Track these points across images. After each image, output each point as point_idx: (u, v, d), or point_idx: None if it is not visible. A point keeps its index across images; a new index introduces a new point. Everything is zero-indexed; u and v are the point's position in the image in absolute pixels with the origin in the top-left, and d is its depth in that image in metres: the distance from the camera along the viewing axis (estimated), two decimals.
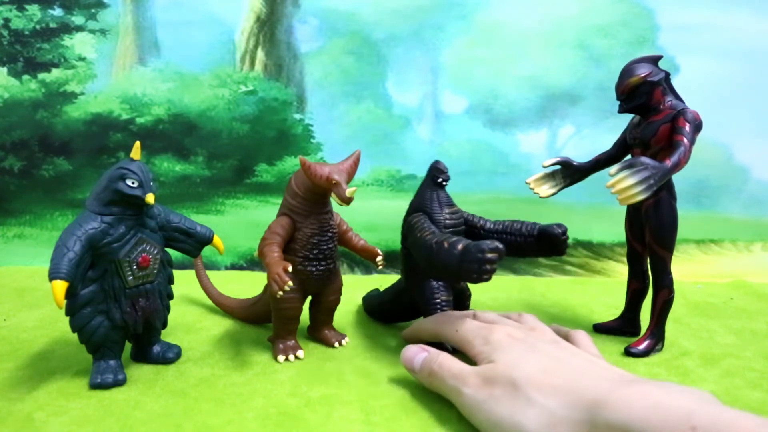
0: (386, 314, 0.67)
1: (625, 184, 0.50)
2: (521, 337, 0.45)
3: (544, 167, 0.63)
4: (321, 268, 0.56)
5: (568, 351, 0.44)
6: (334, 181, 0.51)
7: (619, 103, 0.59)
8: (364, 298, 0.71)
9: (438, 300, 0.56)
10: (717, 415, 0.32)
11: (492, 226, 0.59)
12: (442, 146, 0.99)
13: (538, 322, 0.51)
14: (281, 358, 0.55)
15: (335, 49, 0.98)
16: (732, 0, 0.95)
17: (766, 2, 0.95)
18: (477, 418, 0.42)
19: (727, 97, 0.96)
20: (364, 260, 0.61)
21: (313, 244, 0.54)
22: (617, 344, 0.61)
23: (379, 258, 0.59)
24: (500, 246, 0.47)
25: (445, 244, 0.49)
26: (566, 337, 0.50)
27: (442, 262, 0.49)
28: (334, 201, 0.53)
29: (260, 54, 0.99)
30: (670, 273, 0.59)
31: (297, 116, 0.99)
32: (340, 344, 0.59)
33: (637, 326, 0.64)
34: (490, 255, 0.46)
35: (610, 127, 0.99)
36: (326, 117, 0.99)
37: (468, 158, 0.99)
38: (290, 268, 0.51)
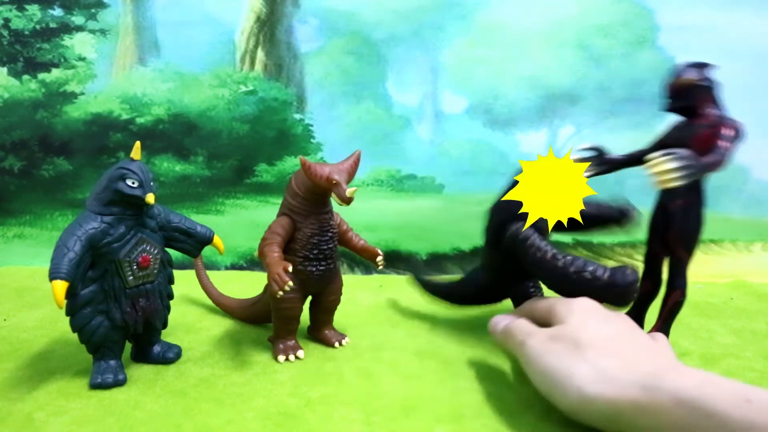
0: (465, 299, 0.68)
1: (664, 167, 0.51)
2: (599, 309, 0.46)
3: (579, 150, 0.64)
4: (321, 268, 0.56)
5: (643, 335, 0.45)
6: (334, 181, 0.51)
7: (652, 100, 0.59)
8: (436, 287, 0.71)
9: (533, 291, 0.58)
10: (760, 392, 0.34)
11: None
12: (442, 146, 0.99)
13: None
14: (281, 358, 0.55)
15: (335, 49, 0.98)
16: (732, 0, 0.95)
17: (767, 2, 0.95)
18: (532, 368, 0.44)
19: (727, 97, 0.96)
20: (364, 260, 0.61)
21: (313, 244, 0.54)
22: None
23: (379, 258, 0.59)
24: (636, 271, 0.49)
25: (587, 275, 0.50)
26: None
27: (583, 290, 0.49)
28: (334, 201, 0.53)
29: (260, 54, 0.99)
30: (685, 276, 0.59)
31: (297, 116, 0.99)
32: (340, 344, 0.59)
33: (640, 326, 0.64)
34: (634, 282, 0.49)
35: (610, 127, 0.99)
36: (326, 117, 0.99)
37: (468, 158, 0.99)
38: (290, 268, 0.51)
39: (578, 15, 0.97)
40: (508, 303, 0.61)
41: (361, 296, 0.74)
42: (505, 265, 0.58)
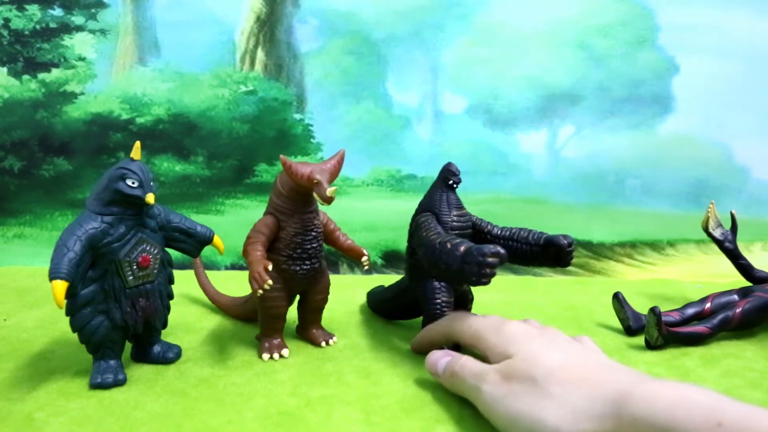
0: (388, 311, 0.67)
1: None
2: (537, 332, 0.45)
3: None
4: (305, 267, 0.56)
5: (585, 348, 0.44)
6: (315, 181, 0.51)
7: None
8: (369, 294, 0.72)
9: (438, 300, 0.56)
10: (744, 412, 0.32)
11: (499, 231, 0.59)
12: (442, 146, 0.99)
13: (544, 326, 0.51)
14: (266, 356, 0.56)
15: (335, 49, 0.98)
16: (732, 0, 0.95)
17: (767, 2, 0.95)
18: (496, 414, 0.42)
19: (727, 97, 0.96)
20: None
21: (296, 243, 0.55)
22: (618, 343, 0.61)
23: (364, 258, 0.59)
24: (502, 251, 0.47)
25: (448, 245, 0.49)
26: None
27: (444, 262, 0.49)
28: (318, 201, 0.53)
29: (260, 54, 0.99)
30: None
31: (297, 116, 0.99)
32: (327, 344, 0.60)
33: None
34: (490, 259, 0.47)
35: (610, 127, 0.99)
36: (326, 117, 0.99)
37: (468, 158, 0.99)
38: (270, 267, 0.51)
39: (578, 15, 0.97)
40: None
41: (361, 296, 0.74)
42: (416, 260, 0.57)
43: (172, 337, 0.60)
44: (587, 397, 0.37)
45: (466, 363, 0.46)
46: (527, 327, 0.46)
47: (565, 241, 0.55)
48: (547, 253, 0.56)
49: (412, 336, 0.62)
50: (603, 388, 0.37)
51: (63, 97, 0.97)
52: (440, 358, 0.49)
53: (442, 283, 0.57)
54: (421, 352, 0.56)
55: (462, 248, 0.48)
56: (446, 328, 0.53)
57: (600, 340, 0.62)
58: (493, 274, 0.47)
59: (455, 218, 0.57)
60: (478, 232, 0.59)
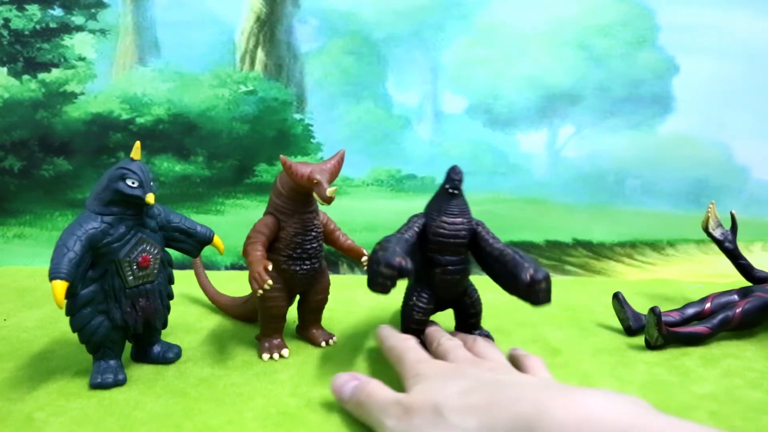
0: None
1: None
2: (451, 367, 0.44)
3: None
4: (305, 267, 0.56)
5: (500, 372, 0.42)
6: (315, 181, 0.51)
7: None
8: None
9: (412, 303, 0.55)
10: (656, 427, 0.30)
11: (490, 249, 0.54)
12: (442, 146, 0.99)
13: (490, 348, 0.50)
14: (266, 356, 0.56)
15: (335, 49, 0.98)
16: (732, 0, 0.95)
17: (767, 2, 0.95)
18: None
19: (727, 97, 0.96)
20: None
21: (296, 243, 0.55)
22: (618, 343, 0.61)
23: (364, 258, 0.59)
24: (397, 266, 0.46)
25: (378, 246, 0.50)
26: (518, 360, 0.49)
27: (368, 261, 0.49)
28: (318, 201, 0.53)
29: (260, 54, 0.99)
30: None
31: (297, 116, 0.99)
32: (327, 344, 0.60)
33: None
34: (384, 270, 0.46)
35: (610, 127, 0.99)
36: (326, 117, 0.99)
37: (468, 158, 0.99)
38: (270, 267, 0.51)
39: (578, 15, 0.97)
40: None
41: (361, 296, 0.74)
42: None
43: (172, 337, 0.60)
44: (486, 423, 0.35)
45: (373, 392, 0.43)
46: (442, 365, 0.45)
47: (527, 278, 0.50)
48: (517, 285, 0.51)
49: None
50: (502, 409, 0.35)
51: (63, 97, 0.97)
52: (347, 382, 0.45)
53: (424, 289, 0.55)
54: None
55: (377, 253, 0.48)
56: (383, 345, 0.52)
57: (600, 340, 0.62)
58: (386, 286, 0.47)
59: (443, 224, 0.53)
60: (475, 243, 0.55)
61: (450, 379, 0.41)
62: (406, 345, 0.50)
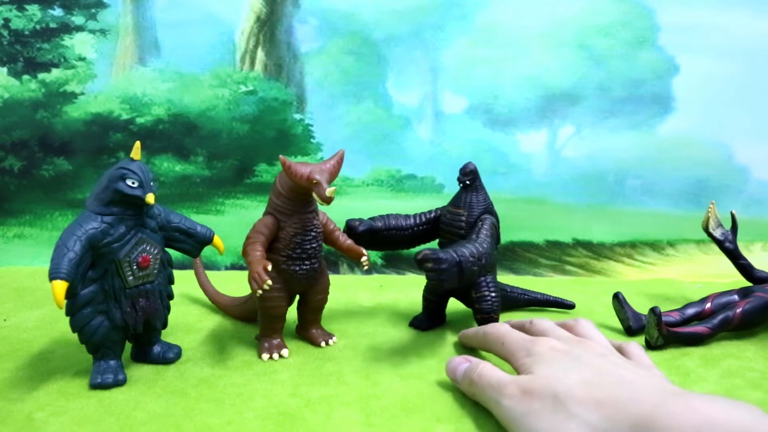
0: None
1: None
2: (565, 349, 0.44)
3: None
4: (305, 267, 0.56)
5: (615, 363, 0.43)
6: (314, 181, 0.51)
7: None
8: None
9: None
10: None
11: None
12: (442, 146, 0.99)
13: (592, 329, 0.50)
14: (265, 356, 0.56)
15: (335, 49, 0.98)
16: (732, 0, 0.95)
17: (766, 2, 0.95)
18: (516, 430, 0.41)
19: (727, 97, 0.96)
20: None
21: (296, 243, 0.55)
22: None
23: (364, 258, 0.59)
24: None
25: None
26: (619, 349, 0.49)
27: None
28: (318, 201, 0.53)
29: (260, 54, 0.99)
30: None
31: (297, 116, 0.99)
32: (326, 344, 0.60)
33: None
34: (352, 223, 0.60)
35: (610, 127, 0.99)
36: (326, 117, 0.99)
37: (468, 158, 0.98)
38: (270, 267, 0.51)
39: (578, 15, 0.97)
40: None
41: (361, 296, 0.74)
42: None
43: (172, 337, 0.60)
44: (607, 418, 0.36)
45: (484, 372, 0.45)
46: (556, 344, 0.45)
47: (420, 258, 0.52)
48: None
49: (412, 336, 0.62)
50: (624, 408, 0.36)
51: (63, 97, 0.97)
52: (459, 364, 0.49)
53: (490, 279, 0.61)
54: (465, 347, 0.59)
55: (358, 226, 0.61)
56: (484, 341, 0.53)
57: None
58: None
59: (446, 213, 0.63)
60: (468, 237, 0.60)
61: (570, 365, 0.42)
62: (502, 328, 0.51)
